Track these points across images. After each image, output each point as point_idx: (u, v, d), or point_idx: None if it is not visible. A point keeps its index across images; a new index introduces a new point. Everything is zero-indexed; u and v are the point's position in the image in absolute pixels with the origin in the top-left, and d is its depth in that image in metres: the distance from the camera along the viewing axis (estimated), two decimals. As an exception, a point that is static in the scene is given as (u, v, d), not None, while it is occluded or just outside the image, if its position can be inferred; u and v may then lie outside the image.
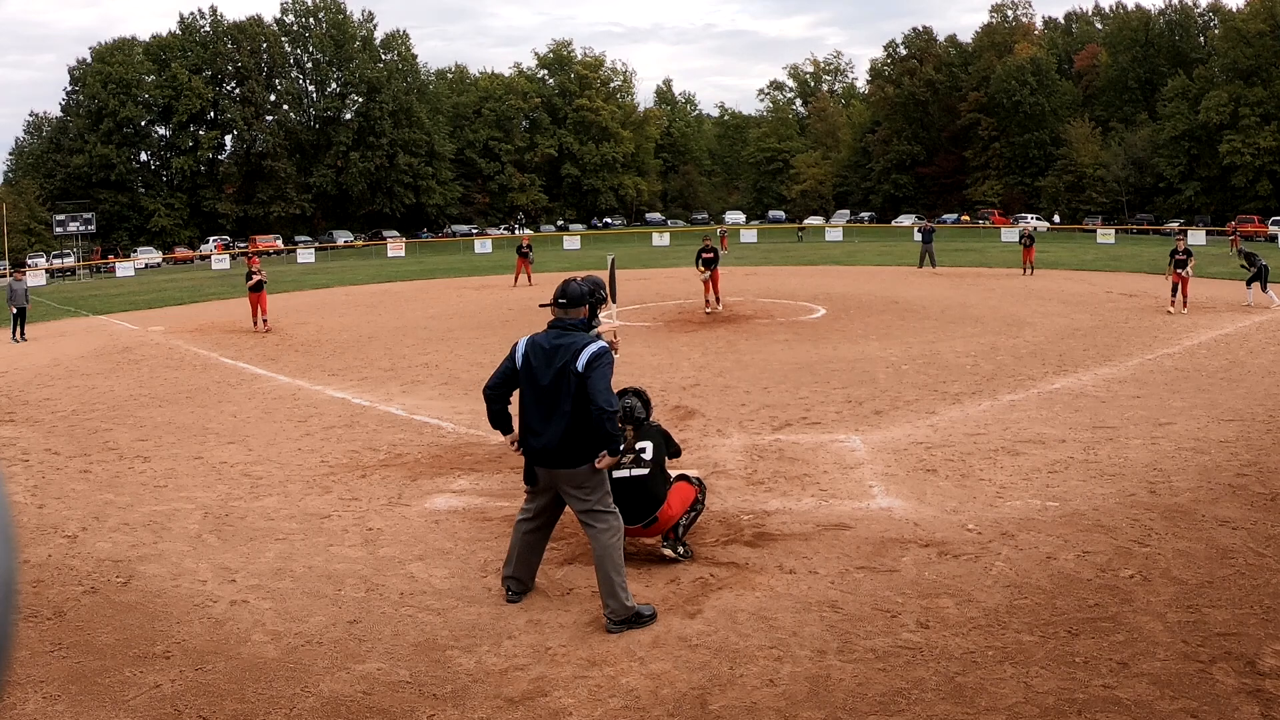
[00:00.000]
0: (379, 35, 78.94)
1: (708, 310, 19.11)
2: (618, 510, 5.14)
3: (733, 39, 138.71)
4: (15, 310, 20.00)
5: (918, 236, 37.25)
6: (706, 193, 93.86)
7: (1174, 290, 18.15)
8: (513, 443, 5.29)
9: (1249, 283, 19.76)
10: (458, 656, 4.65)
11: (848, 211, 78.69)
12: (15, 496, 7.72)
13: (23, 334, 19.79)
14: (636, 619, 4.91)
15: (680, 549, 5.87)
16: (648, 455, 5.78)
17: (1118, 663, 4.33)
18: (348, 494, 7.53)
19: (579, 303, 5.18)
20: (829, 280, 27.11)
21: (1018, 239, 32.42)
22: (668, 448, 6.00)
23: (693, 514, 5.97)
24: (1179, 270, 17.93)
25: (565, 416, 4.91)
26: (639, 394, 6.08)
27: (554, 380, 4.94)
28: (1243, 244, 25.89)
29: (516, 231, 74.18)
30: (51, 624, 5.16)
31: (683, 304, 21.03)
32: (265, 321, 19.15)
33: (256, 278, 19.15)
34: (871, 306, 19.94)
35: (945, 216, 71.98)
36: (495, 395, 5.20)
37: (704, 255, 19.34)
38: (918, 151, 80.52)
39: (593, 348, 4.96)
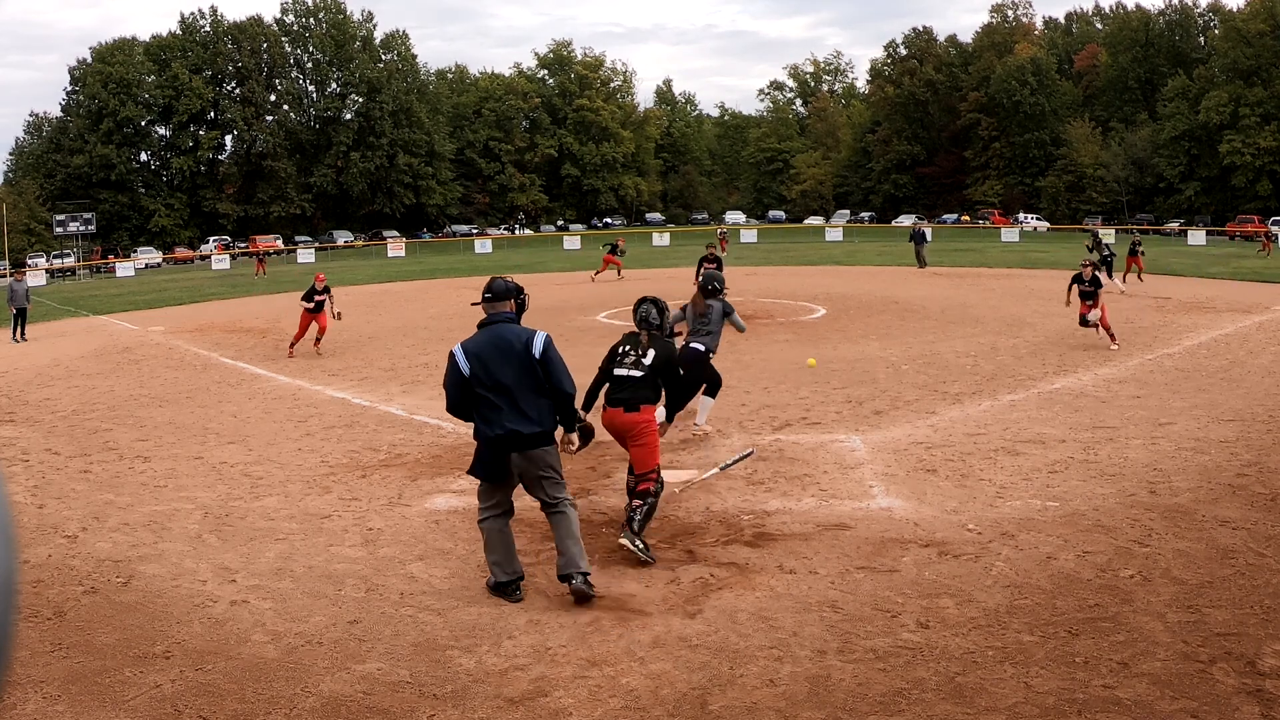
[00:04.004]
0: (379, 35, 78.97)
1: None
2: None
3: (733, 39, 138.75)
4: (15, 310, 20.00)
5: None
6: (706, 193, 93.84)
7: (1084, 321, 13.93)
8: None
9: (1110, 274, 21.64)
10: (458, 656, 4.64)
11: (848, 211, 78.67)
12: (15, 496, 7.72)
13: (23, 334, 19.80)
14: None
15: (639, 544, 5.78)
16: (647, 360, 6.28)
17: (1118, 663, 4.33)
18: (348, 494, 7.53)
19: (504, 297, 5.47)
20: (829, 280, 27.10)
21: (1129, 250, 25.06)
22: (670, 370, 6.40)
23: (650, 500, 6.01)
24: (1086, 301, 13.86)
25: (537, 399, 5.23)
26: (655, 302, 6.62)
27: (517, 370, 5.21)
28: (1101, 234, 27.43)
29: (517, 232, 74.26)
30: (51, 624, 5.15)
31: (683, 304, 21.01)
32: (318, 340, 15.74)
33: (319, 298, 15.76)
34: (871, 306, 19.94)
35: (945, 216, 72.02)
36: (462, 410, 5.38)
37: (705, 264, 17.84)
38: (918, 151, 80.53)
39: (541, 335, 5.32)
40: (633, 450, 6.17)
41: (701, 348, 8.83)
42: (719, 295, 8.96)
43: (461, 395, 5.31)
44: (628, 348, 6.39)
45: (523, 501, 7.11)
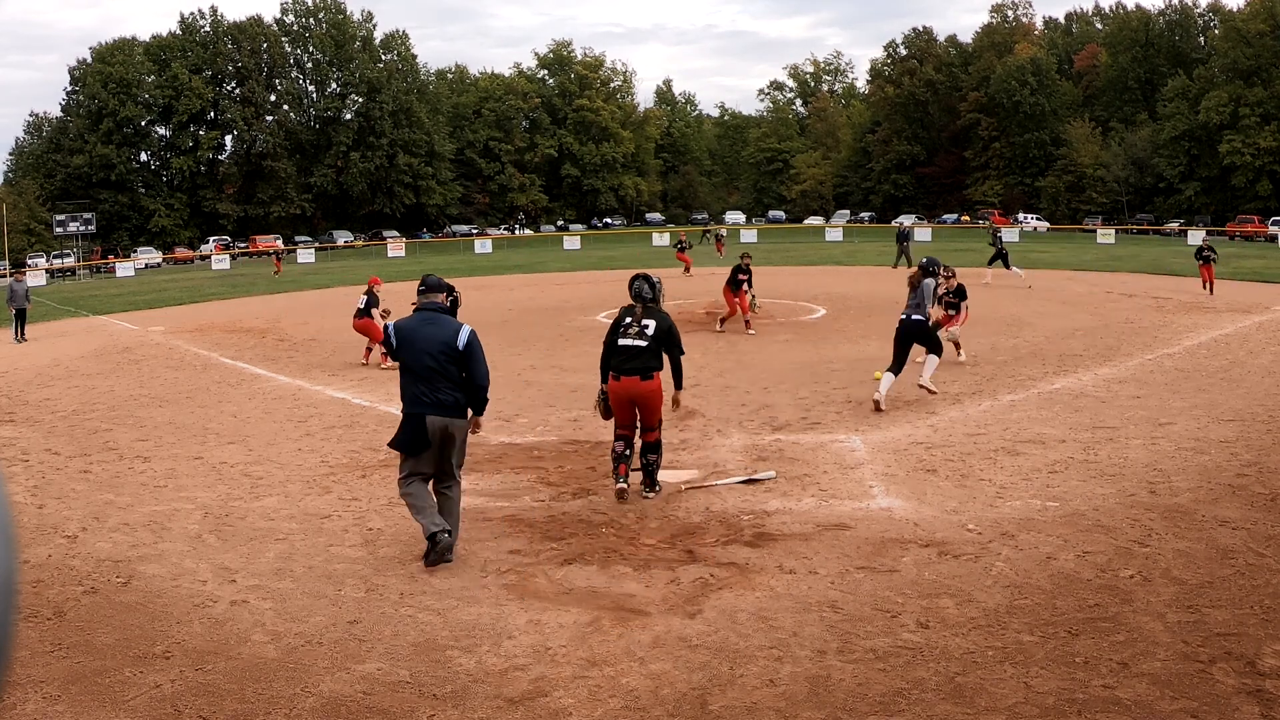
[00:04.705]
0: (379, 35, 78.94)
1: (719, 328, 16.75)
2: None
3: (733, 39, 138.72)
4: (15, 310, 19.99)
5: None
6: (706, 193, 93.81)
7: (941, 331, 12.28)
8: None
9: (990, 261, 25.44)
10: (458, 656, 4.64)
11: (848, 211, 78.64)
12: (15, 496, 7.72)
13: (23, 334, 19.80)
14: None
15: (657, 489, 7.07)
16: (649, 331, 6.85)
17: (1118, 663, 4.33)
18: (348, 494, 7.52)
19: (437, 290, 6.22)
20: (829, 280, 27.10)
21: (1196, 255, 21.97)
22: (671, 337, 6.95)
23: (659, 450, 7.08)
24: (950, 312, 12.87)
25: (455, 381, 5.85)
26: (647, 278, 7.14)
27: (438, 359, 5.82)
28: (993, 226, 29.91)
29: (516, 232, 74.24)
30: (51, 624, 5.15)
31: (682, 304, 21.03)
32: (385, 353, 13.04)
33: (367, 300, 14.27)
34: (871, 306, 19.93)
35: (945, 216, 72.01)
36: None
37: (739, 276, 16.53)
38: (918, 151, 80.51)
39: (466, 329, 5.95)
40: (644, 413, 6.90)
41: (920, 318, 10.22)
42: (934, 275, 10.57)
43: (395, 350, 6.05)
44: (629, 320, 6.95)
45: (521, 502, 7.13)
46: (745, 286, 16.65)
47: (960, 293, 13.23)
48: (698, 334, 16.46)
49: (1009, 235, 52.36)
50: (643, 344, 6.81)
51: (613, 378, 6.87)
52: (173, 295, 31.58)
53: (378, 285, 14.82)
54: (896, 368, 10.13)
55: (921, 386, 10.34)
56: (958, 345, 12.92)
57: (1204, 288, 21.23)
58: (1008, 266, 25.31)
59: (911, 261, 32.04)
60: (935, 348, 10.42)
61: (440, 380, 5.77)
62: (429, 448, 5.75)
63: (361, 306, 14.41)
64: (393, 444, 5.93)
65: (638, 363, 6.77)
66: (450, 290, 6.19)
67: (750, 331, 16.47)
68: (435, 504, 5.85)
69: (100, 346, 17.95)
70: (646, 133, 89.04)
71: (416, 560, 5.99)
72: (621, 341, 6.87)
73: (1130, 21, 74.81)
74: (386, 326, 6.07)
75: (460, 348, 5.82)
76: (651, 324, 6.89)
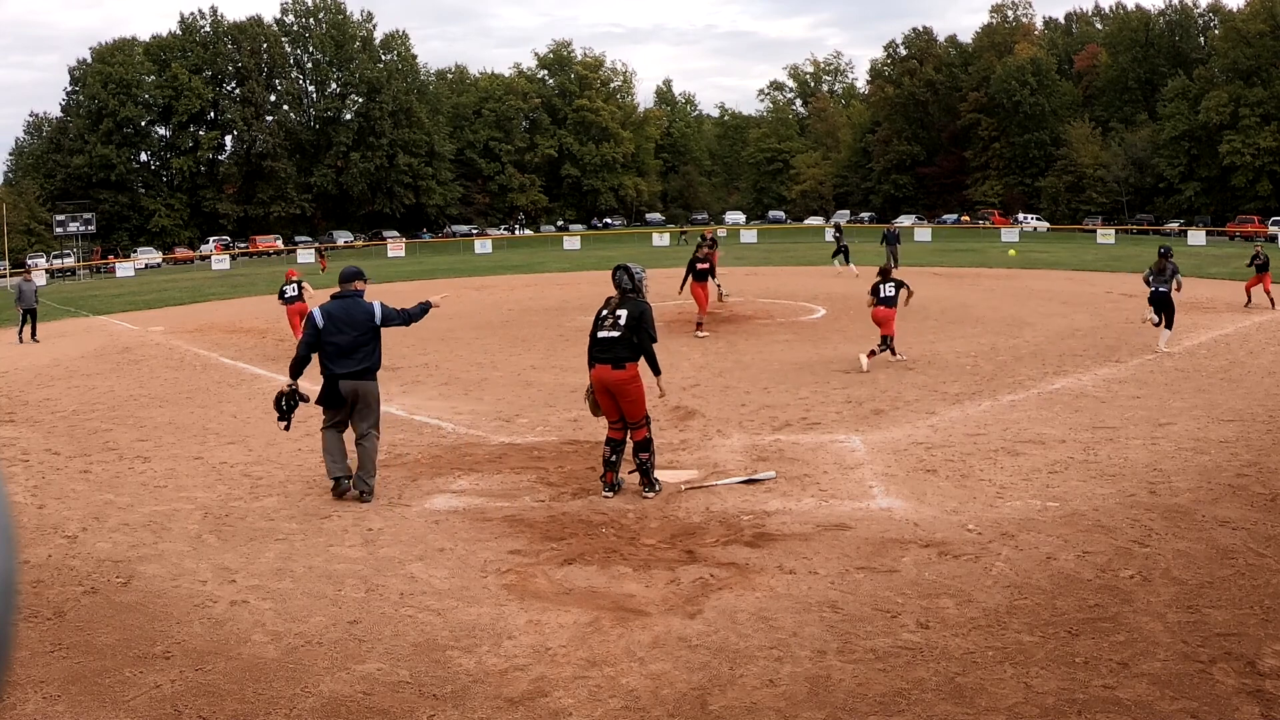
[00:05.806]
0: (379, 36, 78.94)
1: (701, 333, 15.93)
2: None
3: (733, 40, 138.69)
4: (24, 311, 19.97)
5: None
6: (706, 193, 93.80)
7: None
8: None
9: (834, 256, 27.77)
10: (458, 656, 4.64)
11: (848, 211, 78.58)
12: (15, 496, 7.72)
13: (34, 334, 19.81)
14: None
15: (657, 489, 7.12)
16: (621, 321, 7.06)
17: (1118, 663, 4.33)
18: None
19: (352, 279, 7.40)
20: (829, 280, 27.09)
21: (1250, 263, 19.56)
22: (641, 325, 7.06)
23: (651, 447, 7.13)
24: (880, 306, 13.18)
25: (368, 354, 7.18)
26: (627, 269, 7.39)
27: (354, 335, 7.13)
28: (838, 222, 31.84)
29: (516, 232, 74.23)
30: (51, 624, 5.15)
31: (682, 304, 21.01)
32: None
33: (290, 291, 15.96)
34: (871, 306, 19.88)
35: (945, 216, 71.97)
36: (306, 360, 7.30)
37: (697, 265, 16.08)
38: (918, 152, 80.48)
39: (377, 304, 7.31)
40: (623, 404, 7.02)
41: (1164, 289, 13.10)
42: (1171, 259, 13.39)
43: (314, 343, 7.19)
44: (605, 312, 7.21)
45: (521, 502, 7.14)
46: (711, 275, 16.39)
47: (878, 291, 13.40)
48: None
49: (1008, 235, 52.73)
50: (615, 335, 7.02)
51: (592, 365, 7.12)
52: (173, 295, 31.58)
53: (294, 275, 16.74)
54: (1168, 323, 13.22)
55: (1160, 350, 13.07)
56: (893, 349, 12.98)
57: (1271, 302, 18.32)
58: (847, 261, 27.60)
59: (897, 265, 30.92)
60: (1170, 317, 13.14)
61: (353, 352, 7.07)
62: (344, 404, 7.13)
63: (295, 294, 15.98)
64: (318, 401, 7.21)
65: (609, 353, 6.99)
66: (361, 273, 7.53)
67: (701, 334, 15.80)
68: (344, 452, 7.19)
69: (100, 346, 17.95)
70: (646, 133, 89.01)
71: (417, 560, 5.99)
72: (600, 334, 7.09)
73: (1130, 22, 74.77)
74: (313, 311, 7.31)
75: (378, 321, 7.21)
76: (624, 314, 7.06)
